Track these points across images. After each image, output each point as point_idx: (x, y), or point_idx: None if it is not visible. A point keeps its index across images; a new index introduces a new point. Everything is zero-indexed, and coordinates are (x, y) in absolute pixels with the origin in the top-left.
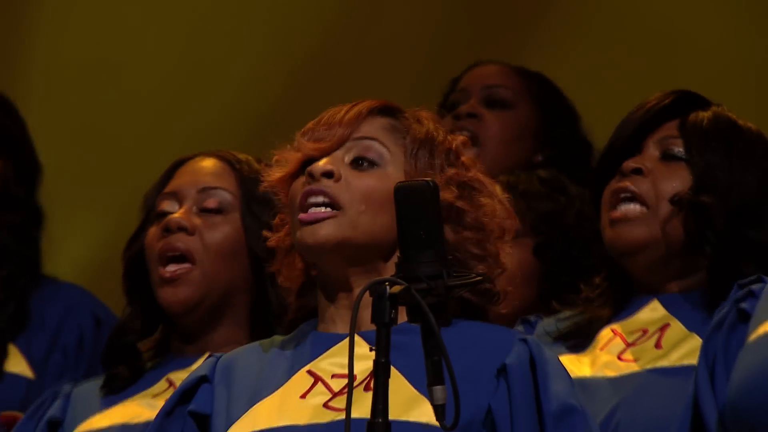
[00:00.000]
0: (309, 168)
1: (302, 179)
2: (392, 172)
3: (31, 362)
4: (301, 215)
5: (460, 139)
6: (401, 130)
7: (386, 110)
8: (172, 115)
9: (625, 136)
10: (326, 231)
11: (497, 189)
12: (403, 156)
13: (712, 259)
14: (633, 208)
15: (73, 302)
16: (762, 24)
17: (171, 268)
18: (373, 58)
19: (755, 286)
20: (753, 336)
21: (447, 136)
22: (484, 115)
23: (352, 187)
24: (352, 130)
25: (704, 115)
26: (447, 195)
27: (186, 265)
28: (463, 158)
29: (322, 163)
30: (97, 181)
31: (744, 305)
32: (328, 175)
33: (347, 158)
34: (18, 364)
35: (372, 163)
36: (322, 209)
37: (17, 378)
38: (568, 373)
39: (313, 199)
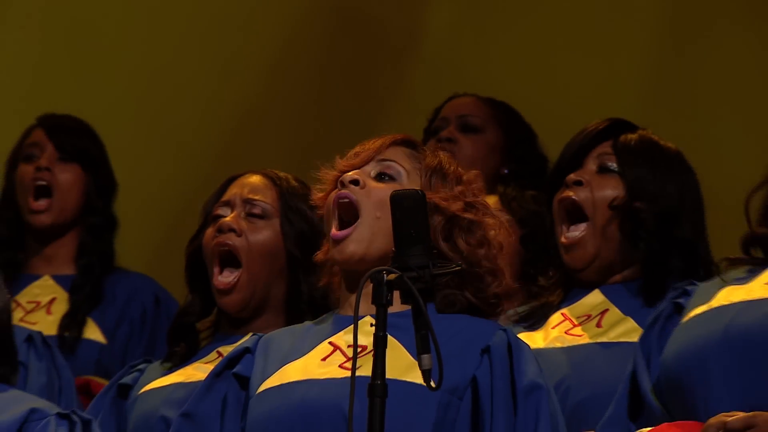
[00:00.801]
0: (340, 178)
1: (336, 191)
2: (408, 186)
3: (104, 331)
4: (333, 233)
5: (473, 172)
6: (418, 158)
7: (407, 142)
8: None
9: (569, 154)
10: (351, 249)
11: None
12: (419, 177)
13: (646, 254)
14: (575, 234)
15: (138, 285)
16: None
17: (224, 276)
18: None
19: (689, 288)
20: (685, 319)
21: (458, 168)
22: (459, 139)
23: (372, 194)
24: (377, 154)
25: (632, 136)
26: (455, 206)
27: (236, 273)
28: (474, 185)
29: (351, 173)
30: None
31: (679, 300)
32: (355, 182)
33: (372, 173)
34: (93, 332)
35: (391, 178)
36: (346, 229)
37: (93, 343)
38: (536, 358)
39: (341, 201)
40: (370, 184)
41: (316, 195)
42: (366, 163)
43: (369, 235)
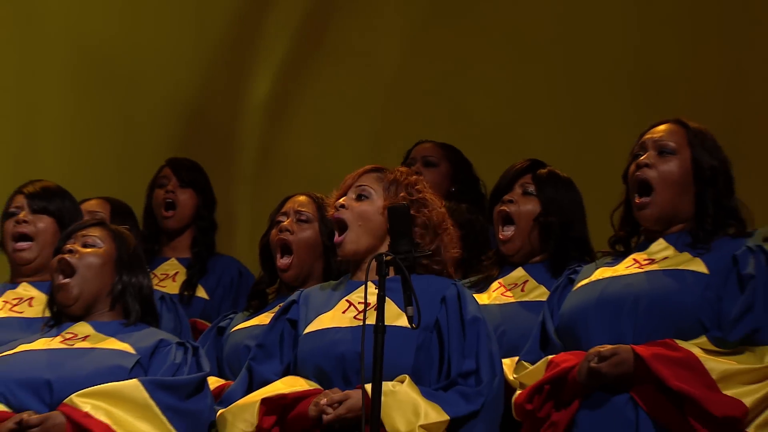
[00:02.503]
0: (334, 203)
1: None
2: (377, 200)
3: (207, 291)
4: (335, 239)
5: (413, 176)
6: (382, 179)
7: (374, 169)
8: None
9: (504, 182)
10: (347, 247)
11: (437, 202)
12: (383, 191)
13: (555, 248)
14: (508, 233)
15: (229, 263)
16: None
17: (283, 261)
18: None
19: (578, 267)
20: (574, 288)
21: (405, 175)
22: (423, 173)
23: (354, 210)
24: (355, 182)
25: (544, 171)
26: None
27: (290, 258)
28: (416, 186)
29: (340, 200)
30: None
31: (572, 276)
32: (342, 206)
33: (353, 196)
34: (201, 292)
35: (366, 197)
36: (342, 234)
37: (200, 299)
38: (477, 302)
39: (336, 218)
40: (352, 205)
41: (328, 211)
42: (349, 189)
43: (356, 237)
